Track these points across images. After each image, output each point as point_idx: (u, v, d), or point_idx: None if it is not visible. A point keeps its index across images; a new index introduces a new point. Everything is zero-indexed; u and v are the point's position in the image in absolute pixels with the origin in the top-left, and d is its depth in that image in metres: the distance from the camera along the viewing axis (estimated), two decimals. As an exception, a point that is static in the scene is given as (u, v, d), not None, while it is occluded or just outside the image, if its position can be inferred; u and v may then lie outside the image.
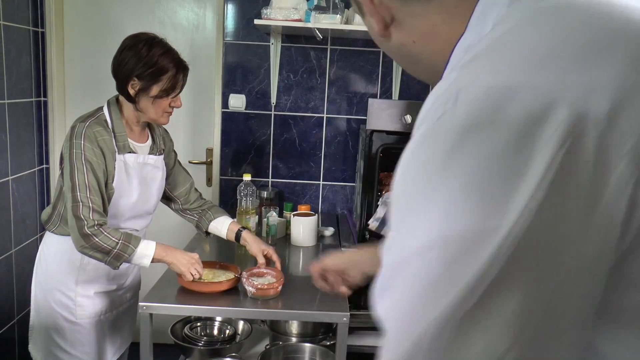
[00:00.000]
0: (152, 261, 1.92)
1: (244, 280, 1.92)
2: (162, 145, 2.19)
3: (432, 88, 0.71)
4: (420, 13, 0.70)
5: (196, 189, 2.35)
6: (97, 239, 1.83)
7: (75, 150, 1.86)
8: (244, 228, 2.25)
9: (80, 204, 1.84)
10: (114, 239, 1.85)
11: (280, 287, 1.96)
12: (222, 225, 2.25)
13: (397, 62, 0.84)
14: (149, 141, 2.12)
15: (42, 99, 3.17)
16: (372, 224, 2.22)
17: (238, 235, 2.22)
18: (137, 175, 2.04)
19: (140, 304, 1.88)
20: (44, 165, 3.22)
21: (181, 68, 1.97)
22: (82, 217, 1.83)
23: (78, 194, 1.84)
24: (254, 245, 2.17)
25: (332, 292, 1.50)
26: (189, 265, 1.95)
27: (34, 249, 3.09)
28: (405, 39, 0.74)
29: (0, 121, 2.74)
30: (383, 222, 2.19)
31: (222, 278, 2.04)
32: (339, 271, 1.46)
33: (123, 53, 1.92)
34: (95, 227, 1.83)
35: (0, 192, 2.78)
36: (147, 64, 1.88)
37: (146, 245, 1.91)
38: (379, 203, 2.22)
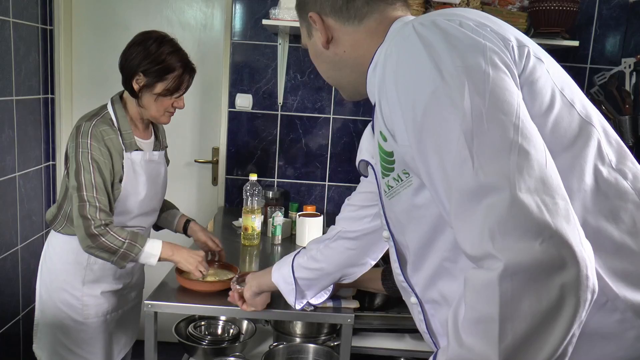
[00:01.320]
0: (159, 260, 1.93)
1: (232, 284, 1.89)
2: (165, 143, 2.20)
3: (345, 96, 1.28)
4: (351, 32, 1.12)
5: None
6: (103, 239, 1.83)
7: (81, 149, 1.86)
8: (192, 220, 2.26)
9: (87, 203, 1.84)
10: (120, 238, 1.84)
11: None
12: (172, 217, 2.27)
13: (328, 70, 1.22)
14: (152, 137, 2.12)
15: (50, 96, 3.18)
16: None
17: (185, 226, 2.24)
18: (144, 173, 2.03)
19: (145, 302, 1.88)
20: (51, 162, 3.23)
21: (188, 69, 1.96)
22: (89, 216, 1.83)
23: (84, 193, 1.84)
24: (200, 233, 2.19)
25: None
26: (197, 264, 1.95)
27: (40, 246, 3.11)
28: (339, 50, 1.15)
29: (8, 118, 2.75)
30: None
31: (221, 277, 2.04)
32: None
33: (132, 48, 1.92)
34: (102, 227, 1.83)
35: (7, 188, 2.79)
36: (154, 61, 1.88)
37: (152, 244, 1.91)
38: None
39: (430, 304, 1.15)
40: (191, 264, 1.95)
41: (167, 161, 2.26)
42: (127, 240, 1.85)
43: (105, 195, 1.88)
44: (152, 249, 1.90)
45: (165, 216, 2.27)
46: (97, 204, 1.84)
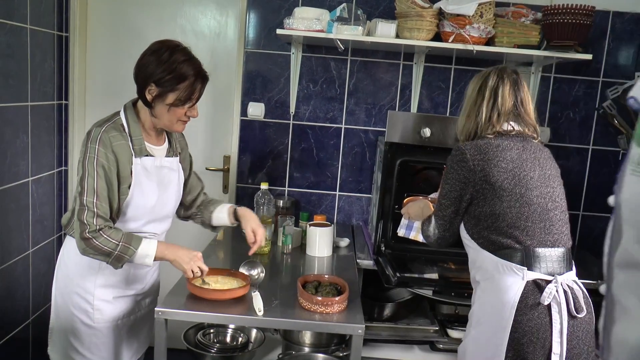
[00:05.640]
0: (155, 259, 1.93)
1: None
2: (179, 149, 2.20)
3: None
4: None
5: (204, 193, 2.37)
6: (97, 242, 1.84)
7: (89, 154, 1.88)
8: (238, 206, 2.28)
9: (86, 208, 1.86)
10: (114, 241, 1.86)
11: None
12: (221, 212, 2.28)
13: None
14: (166, 144, 2.13)
15: (64, 102, 3.21)
16: (400, 231, 2.37)
17: (236, 213, 2.25)
18: (155, 179, 2.04)
19: (156, 309, 1.89)
20: (63, 168, 3.25)
21: (200, 77, 1.95)
22: (86, 221, 1.85)
23: (85, 198, 1.86)
24: (248, 221, 2.21)
25: None
26: (191, 263, 1.96)
27: (51, 250, 3.13)
28: None
29: (22, 123, 2.77)
30: (409, 227, 2.34)
31: (231, 286, 2.05)
32: None
33: (145, 57, 1.93)
34: (95, 232, 1.85)
35: (20, 192, 2.81)
36: (166, 70, 1.88)
37: (147, 245, 1.92)
38: (402, 212, 2.39)
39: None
40: (186, 262, 1.96)
41: (190, 169, 2.27)
42: (120, 243, 1.86)
43: (106, 202, 1.89)
44: (147, 250, 1.91)
45: (217, 214, 2.28)
46: (95, 210, 1.86)
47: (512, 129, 1.95)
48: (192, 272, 1.97)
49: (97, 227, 1.85)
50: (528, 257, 1.81)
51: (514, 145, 1.91)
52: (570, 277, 1.86)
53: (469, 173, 1.88)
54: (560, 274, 1.82)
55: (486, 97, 1.97)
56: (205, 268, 2.00)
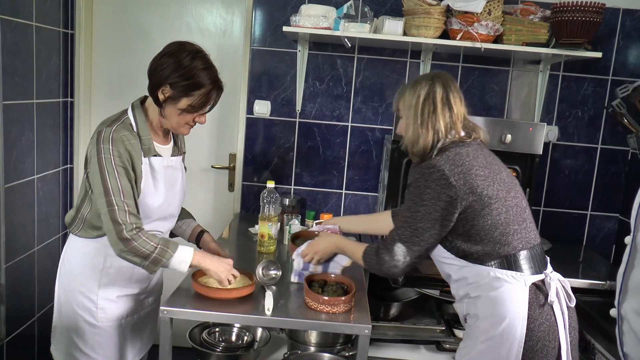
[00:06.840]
0: (190, 267, 1.93)
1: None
2: (183, 149, 2.19)
3: None
4: None
5: None
6: (135, 243, 1.81)
7: (104, 155, 1.85)
8: (206, 231, 2.29)
9: (117, 207, 1.82)
10: (152, 243, 1.84)
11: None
12: (187, 227, 2.29)
13: None
14: (171, 143, 2.12)
15: (69, 99, 3.20)
16: (294, 278, 2.20)
17: (199, 237, 2.26)
18: (162, 178, 2.03)
19: (161, 308, 1.88)
20: (68, 165, 3.25)
21: (216, 87, 1.94)
22: (120, 221, 1.81)
23: (113, 198, 1.83)
24: (212, 244, 2.23)
25: None
26: (227, 273, 1.97)
27: (56, 248, 3.13)
28: None
29: (28, 121, 2.77)
30: (305, 269, 2.19)
31: (237, 285, 2.03)
32: None
33: (164, 57, 1.90)
34: (134, 231, 1.82)
35: (26, 190, 2.81)
36: (183, 75, 1.86)
37: (184, 251, 1.91)
38: (293, 257, 2.22)
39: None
40: (222, 272, 1.96)
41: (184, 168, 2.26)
42: (159, 246, 1.84)
43: (132, 199, 1.87)
44: (184, 256, 1.89)
45: (180, 224, 2.28)
46: (127, 208, 1.83)
47: (466, 135, 1.90)
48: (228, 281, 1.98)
49: (134, 225, 1.82)
50: (522, 260, 1.78)
51: (477, 150, 1.86)
52: (550, 270, 1.85)
53: (452, 191, 1.76)
54: (545, 269, 1.82)
55: (439, 107, 1.87)
56: (238, 274, 2.02)
